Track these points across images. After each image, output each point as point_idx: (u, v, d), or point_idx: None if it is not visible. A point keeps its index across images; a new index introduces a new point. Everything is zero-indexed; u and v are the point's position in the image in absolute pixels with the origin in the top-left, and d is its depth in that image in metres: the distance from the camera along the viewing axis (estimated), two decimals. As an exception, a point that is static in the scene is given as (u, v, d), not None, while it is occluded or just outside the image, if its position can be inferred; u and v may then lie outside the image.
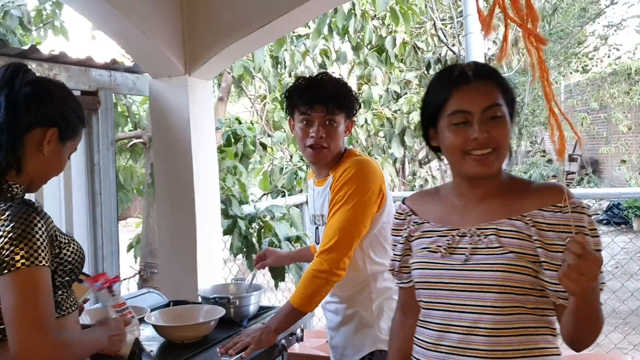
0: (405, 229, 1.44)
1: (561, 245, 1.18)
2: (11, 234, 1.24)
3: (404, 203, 1.49)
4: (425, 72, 6.78)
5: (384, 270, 1.89)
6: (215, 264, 3.09)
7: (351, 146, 2.92)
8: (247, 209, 3.72)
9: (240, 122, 4.56)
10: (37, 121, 1.38)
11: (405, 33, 5.67)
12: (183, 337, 1.95)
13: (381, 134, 6.24)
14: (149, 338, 2.03)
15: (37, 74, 1.46)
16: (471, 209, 1.35)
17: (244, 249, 3.59)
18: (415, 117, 5.41)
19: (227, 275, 3.61)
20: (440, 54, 6.61)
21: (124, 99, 4.90)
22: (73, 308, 1.44)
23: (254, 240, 3.69)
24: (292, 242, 3.62)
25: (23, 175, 1.38)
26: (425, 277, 1.34)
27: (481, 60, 3.99)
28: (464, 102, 1.28)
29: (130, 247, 5.05)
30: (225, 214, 3.53)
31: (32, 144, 1.38)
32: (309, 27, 5.39)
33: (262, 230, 3.68)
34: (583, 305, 1.16)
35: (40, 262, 1.25)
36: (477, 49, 4.04)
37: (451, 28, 6.99)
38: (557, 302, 1.25)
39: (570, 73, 13.96)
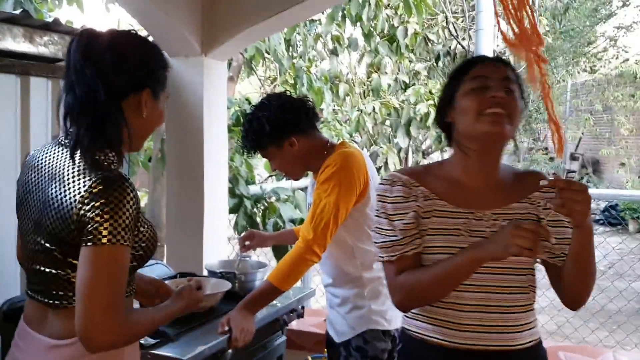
0: (412, 200, 1.40)
1: (562, 220, 1.36)
2: (101, 208, 1.21)
3: (401, 173, 1.45)
4: (435, 64, 6.83)
5: (374, 258, 1.98)
6: (221, 240, 3.19)
7: (340, 139, 2.99)
8: (254, 189, 3.80)
9: (250, 103, 4.63)
10: (128, 88, 1.34)
11: (417, 24, 5.71)
12: (191, 307, 2.04)
13: (388, 122, 6.30)
14: (158, 306, 2.13)
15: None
16: (480, 193, 1.41)
17: (249, 228, 3.68)
18: (422, 108, 5.48)
19: (230, 253, 3.71)
20: (450, 47, 6.65)
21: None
22: (131, 293, 1.40)
23: (259, 220, 3.79)
24: (296, 224, 3.71)
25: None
26: None
27: (491, 56, 4.05)
28: (485, 70, 1.38)
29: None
30: (231, 192, 3.61)
31: (130, 110, 1.35)
32: (323, 12, 5.43)
33: (267, 210, 3.77)
34: (584, 237, 1.26)
35: (124, 241, 1.23)
36: (487, 45, 4.10)
37: (462, 21, 7.01)
38: (557, 264, 1.39)
39: (578, 72, 13.95)
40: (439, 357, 1.39)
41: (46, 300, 1.33)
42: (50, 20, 2.70)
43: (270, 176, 4.72)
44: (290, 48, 5.22)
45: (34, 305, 1.37)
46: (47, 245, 1.29)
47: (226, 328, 1.89)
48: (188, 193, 3.05)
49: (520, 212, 1.39)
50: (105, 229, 1.21)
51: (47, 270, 1.31)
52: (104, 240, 1.21)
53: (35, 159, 1.40)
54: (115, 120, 1.31)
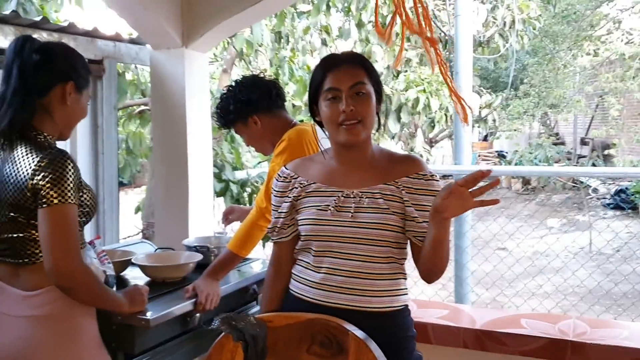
0: (291, 190, 1.68)
1: (427, 206, 1.50)
2: (49, 177, 1.51)
3: (287, 167, 1.74)
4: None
5: None
6: (206, 222, 3.37)
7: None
8: (240, 174, 3.99)
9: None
10: (54, 80, 1.64)
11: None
12: (164, 277, 2.23)
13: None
14: (135, 277, 2.32)
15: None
16: (352, 174, 1.64)
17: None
18: (411, 94, 5.61)
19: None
20: (440, 35, 6.75)
21: (134, 69, 5.17)
22: (82, 245, 1.69)
23: (246, 203, 3.98)
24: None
25: (54, 126, 1.66)
26: (317, 231, 1.61)
27: (470, 41, 4.20)
28: (336, 81, 1.58)
29: (137, 209, 5.37)
30: (218, 178, 3.81)
31: (56, 99, 1.65)
32: (312, 3, 5.58)
33: (253, 194, 3.96)
34: (447, 228, 1.45)
35: (71, 200, 1.54)
36: (466, 31, 4.21)
37: (452, 8, 7.10)
38: (418, 244, 1.57)
39: (581, 56, 13.88)
40: (300, 308, 1.64)
41: (15, 261, 1.60)
42: (38, 19, 2.89)
43: (261, 162, 4.90)
44: (281, 40, 5.37)
45: (3, 266, 1.64)
46: (12, 214, 1.57)
47: (191, 294, 2.08)
48: (173, 177, 3.22)
49: (384, 193, 1.58)
50: (55, 192, 1.52)
51: (15, 235, 1.59)
52: (55, 201, 1.52)
53: None
54: (23, 110, 1.60)
